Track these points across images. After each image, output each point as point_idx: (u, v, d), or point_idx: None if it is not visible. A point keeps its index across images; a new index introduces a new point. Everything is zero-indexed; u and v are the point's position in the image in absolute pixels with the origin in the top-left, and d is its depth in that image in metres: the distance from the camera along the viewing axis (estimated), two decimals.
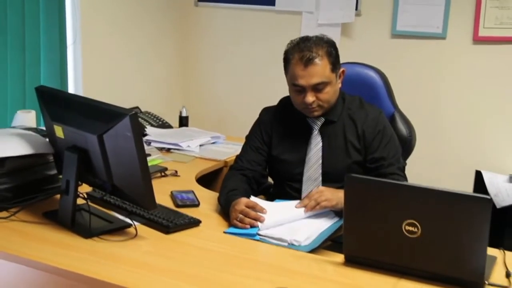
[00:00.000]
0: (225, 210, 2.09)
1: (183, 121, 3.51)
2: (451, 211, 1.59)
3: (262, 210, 2.00)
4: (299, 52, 2.16)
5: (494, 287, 1.63)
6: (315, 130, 2.28)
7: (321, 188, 2.11)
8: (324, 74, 2.15)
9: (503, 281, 1.66)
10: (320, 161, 2.26)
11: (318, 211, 2.05)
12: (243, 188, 2.18)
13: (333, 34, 3.47)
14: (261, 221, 1.96)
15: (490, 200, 1.56)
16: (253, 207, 2.00)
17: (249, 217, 1.97)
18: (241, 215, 1.98)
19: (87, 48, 3.45)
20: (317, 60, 2.14)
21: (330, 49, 2.18)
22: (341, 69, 2.26)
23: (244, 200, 2.03)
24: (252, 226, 1.96)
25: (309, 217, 2.05)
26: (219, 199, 2.19)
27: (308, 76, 2.14)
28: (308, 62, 2.13)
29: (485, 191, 3.10)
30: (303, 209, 2.06)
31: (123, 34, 3.69)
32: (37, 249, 1.81)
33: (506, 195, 3.09)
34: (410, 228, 1.63)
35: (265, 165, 2.34)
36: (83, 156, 1.92)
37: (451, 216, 1.59)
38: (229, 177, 2.28)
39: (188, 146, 3.00)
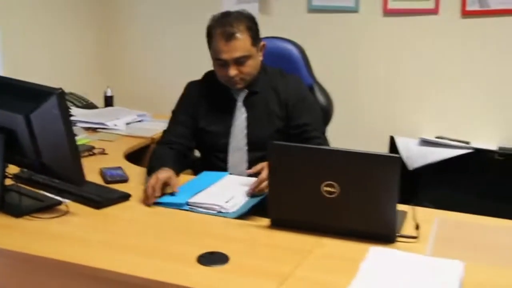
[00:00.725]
0: None
1: (108, 101, 3.52)
2: (364, 170, 1.72)
3: (174, 187, 2.05)
4: (221, 27, 2.23)
5: (404, 238, 1.77)
6: (239, 101, 2.37)
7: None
8: (245, 48, 2.24)
9: (412, 232, 1.80)
10: (245, 131, 2.35)
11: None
12: (170, 160, 2.23)
13: (252, 10, 3.54)
14: (146, 203, 2.00)
15: (398, 158, 1.70)
16: (166, 183, 2.04)
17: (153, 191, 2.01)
18: (149, 187, 2.02)
19: (5, 29, 3.38)
20: (238, 35, 2.22)
21: (250, 23, 2.27)
22: (262, 43, 2.35)
23: (161, 172, 2.07)
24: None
25: (236, 186, 2.14)
26: (147, 170, 2.24)
27: (230, 50, 2.22)
28: (229, 37, 2.21)
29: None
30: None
31: (42, 13, 3.62)
32: None
33: (417, 157, 3.29)
34: (329, 189, 1.74)
35: (191, 138, 2.40)
36: (10, 136, 1.92)
37: (364, 175, 1.72)
38: (156, 150, 2.35)
39: (115, 125, 3.03)
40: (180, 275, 1.56)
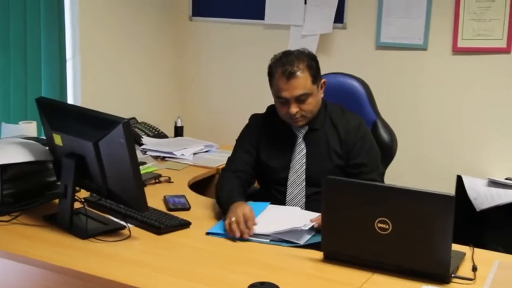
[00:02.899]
0: (224, 210, 2.17)
1: (178, 131, 3.64)
2: (418, 208, 1.71)
3: (252, 226, 2.05)
4: (282, 66, 2.28)
5: (459, 279, 1.74)
6: (299, 137, 2.40)
7: None
8: (306, 86, 2.28)
9: (469, 274, 1.77)
10: (304, 166, 2.38)
11: None
12: (239, 190, 2.28)
13: (320, 46, 3.60)
14: (245, 237, 2.02)
15: (453, 197, 1.67)
16: (247, 220, 2.05)
17: (239, 227, 2.03)
18: (233, 221, 2.04)
19: (85, 61, 3.56)
20: (298, 74, 2.26)
21: (311, 62, 2.31)
22: (322, 80, 2.39)
23: (245, 207, 2.09)
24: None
25: (282, 215, 2.17)
26: (218, 198, 2.28)
27: (291, 88, 2.27)
28: (290, 75, 2.26)
29: (466, 195, 3.22)
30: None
31: (120, 48, 3.81)
32: (37, 249, 1.94)
33: (485, 198, 3.19)
34: (382, 226, 1.75)
35: (254, 166, 2.44)
36: (80, 162, 2.04)
37: (418, 213, 1.71)
38: (225, 178, 2.37)
39: (182, 154, 3.12)
40: None
